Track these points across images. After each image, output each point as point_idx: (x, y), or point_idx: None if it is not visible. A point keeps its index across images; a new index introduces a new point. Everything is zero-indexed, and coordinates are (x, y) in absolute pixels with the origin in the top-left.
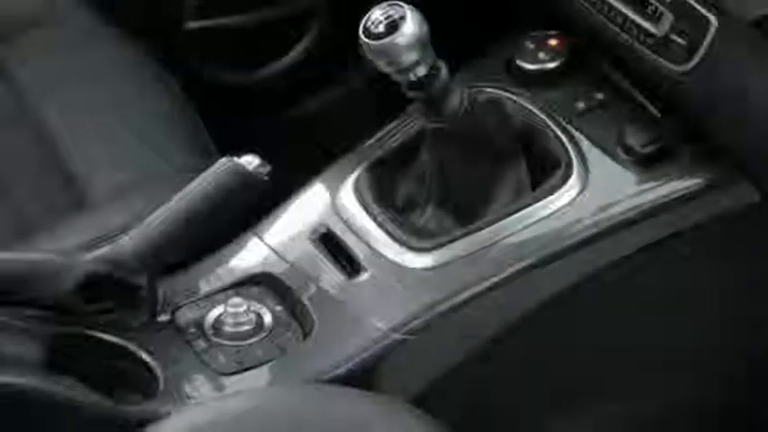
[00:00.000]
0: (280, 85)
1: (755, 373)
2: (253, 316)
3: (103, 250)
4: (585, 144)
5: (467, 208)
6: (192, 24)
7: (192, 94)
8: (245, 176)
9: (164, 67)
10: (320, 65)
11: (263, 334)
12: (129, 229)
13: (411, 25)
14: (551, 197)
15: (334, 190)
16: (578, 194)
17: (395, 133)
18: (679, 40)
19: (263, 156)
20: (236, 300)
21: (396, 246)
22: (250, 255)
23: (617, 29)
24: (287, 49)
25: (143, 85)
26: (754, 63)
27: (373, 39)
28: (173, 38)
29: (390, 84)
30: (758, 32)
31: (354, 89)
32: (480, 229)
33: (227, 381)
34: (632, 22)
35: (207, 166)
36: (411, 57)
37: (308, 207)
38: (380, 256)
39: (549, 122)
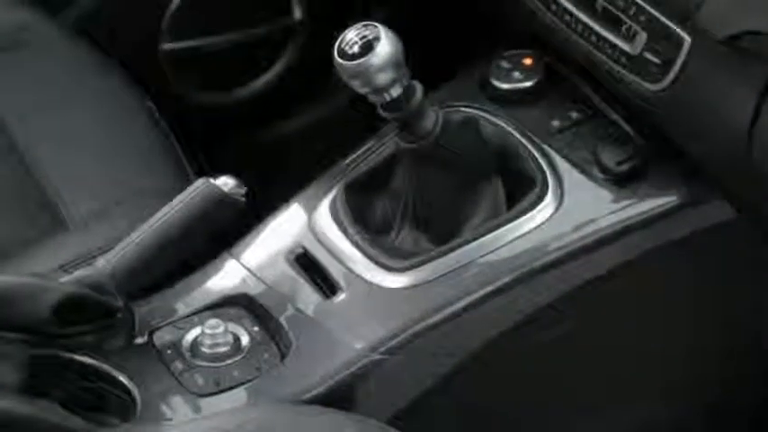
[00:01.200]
0: (256, 107)
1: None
2: (230, 337)
3: (80, 273)
4: (560, 163)
5: (443, 228)
6: (168, 46)
7: (168, 116)
8: (221, 198)
9: (139, 88)
10: (296, 86)
11: (241, 355)
12: (105, 252)
13: (385, 46)
14: (527, 216)
15: (310, 211)
16: (554, 213)
17: (370, 154)
18: (653, 58)
19: (239, 177)
20: (214, 321)
21: (372, 266)
22: (227, 276)
23: (591, 48)
24: (263, 70)
25: (119, 107)
26: (727, 81)
27: (348, 60)
28: (148, 60)
29: (366, 104)
30: (731, 50)
31: (330, 110)
32: (456, 248)
33: (204, 402)
34: (606, 40)
35: (183, 188)
36: (385, 77)
37: (285, 228)
38: (357, 276)
39: (524, 141)
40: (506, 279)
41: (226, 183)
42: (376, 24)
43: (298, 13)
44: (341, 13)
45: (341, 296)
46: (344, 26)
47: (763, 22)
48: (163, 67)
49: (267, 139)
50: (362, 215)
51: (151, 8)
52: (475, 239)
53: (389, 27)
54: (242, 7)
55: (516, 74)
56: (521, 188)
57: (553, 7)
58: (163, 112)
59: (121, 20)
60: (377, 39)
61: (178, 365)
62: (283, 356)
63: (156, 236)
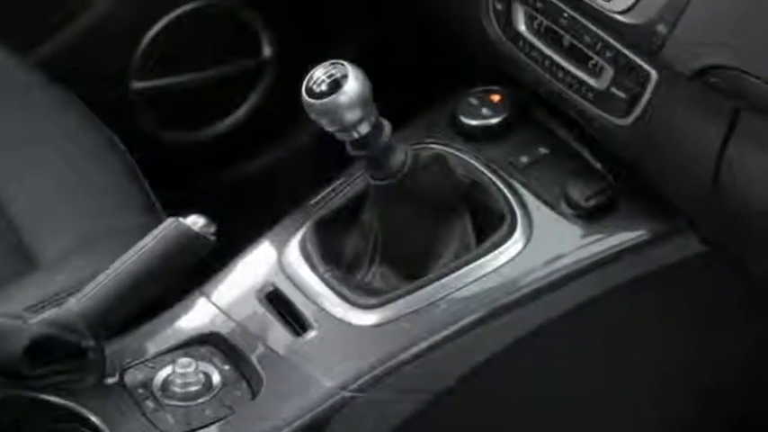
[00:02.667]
0: (225, 144)
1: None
2: (201, 376)
3: (51, 312)
4: (529, 198)
5: (412, 264)
6: (137, 84)
7: (137, 154)
8: (190, 236)
9: (109, 127)
10: (266, 123)
11: (212, 394)
12: (76, 292)
13: (353, 84)
14: (496, 252)
15: (280, 248)
16: (523, 248)
17: (340, 191)
18: (620, 93)
19: (209, 215)
20: (185, 360)
21: (342, 303)
22: (197, 314)
23: (559, 83)
24: (233, 108)
25: (87, 145)
26: (694, 115)
27: (315, 98)
28: (117, 98)
29: (335, 142)
30: (697, 85)
31: (299, 147)
32: (426, 285)
33: None
34: (574, 76)
35: (153, 226)
36: (353, 115)
37: (255, 266)
38: (327, 313)
39: (493, 177)
40: (476, 315)
41: (195, 221)
42: (343, 63)
43: (267, 52)
44: (310, 50)
45: (311, 334)
46: (313, 64)
47: (729, 57)
48: (132, 105)
49: (236, 177)
50: (332, 252)
51: (120, 46)
52: (444, 276)
53: (357, 65)
54: (211, 46)
55: (484, 110)
56: (490, 224)
57: (520, 43)
58: (132, 151)
59: (89, 58)
60: (344, 77)
61: (149, 405)
62: (254, 395)
63: (126, 275)
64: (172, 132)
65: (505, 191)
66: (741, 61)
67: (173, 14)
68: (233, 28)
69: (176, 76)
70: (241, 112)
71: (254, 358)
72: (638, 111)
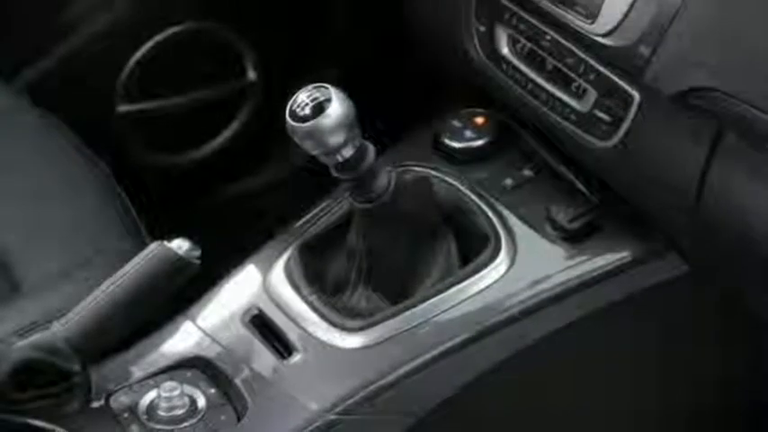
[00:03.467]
0: (211, 167)
1: None
2: (186, 400)
3: (36, 337)
4: (513, 220)
5: (397, 287)
6: (123, 108)
7: (121, 178)
8: (175, 261)
9: (94, 150)
10: (250, 147)
11: (197, 417)
12: (61, 316)
13: (336, 107)
14: (481, 274)
15: (265, 271)
16: (507, 270)
17: (324, 214)
18: (603, 115)
19: (194, 238)
20: (170, 384)
21: (327, 326)
22: (183, 338)
23: (542, 106)
24: (218, 131)
25: (72, 170)
26: (676, 137)
27: (299, 121)
28: (102, 122)
29: (320, 165)
30: (680, 107)
31: (284, 171)
32: (411, 307)
33: None
34: (557, 98)
35: (138, 250)
36: (337, 138)
37: (240, 289)
38: (312, 336)
39: (477, 200)
40: (461, 337)
41: (180, 245)
42: (327, 86)
43: (251, 75)
44: (294, 74)
45: (296, 357)
46: (298, 87)
47: (711, 79)
48: (117, 129)
49: (222, 200)
50: (317, 275)
51: (105, 71)
52: (429, 298)
53: (341, 88)
54: (196, 70)
55: (468, 133)
56: (474, 246)
57: (503, 66)
58: (116, 175)
59: (74, 82)
60: (328, 100)
61: (134, 429)
62: (239, 418)
63: (111, 299)
64: (157, 155)
65: (489, 213)
66: (723, 83)
67: (157, 38)
68: (217, 52)
69: (161, 99)
70: (226, 135)
71: (239, 382)
72: (621, 133)
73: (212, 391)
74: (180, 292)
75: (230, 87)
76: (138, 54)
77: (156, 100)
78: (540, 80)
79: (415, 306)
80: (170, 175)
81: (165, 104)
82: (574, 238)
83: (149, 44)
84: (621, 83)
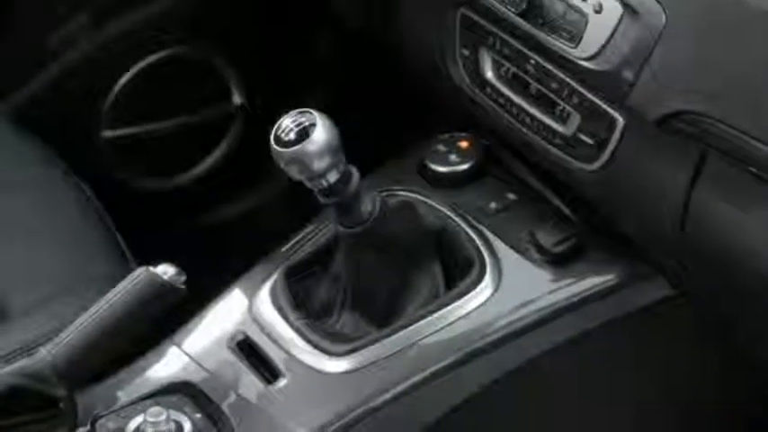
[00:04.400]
0: (196, 192)
1: None
2: (172, 425)
3: (22, 363)
4: (498, 244)
5: (383, 311)
6: (108, 133)
7: (107, 203)
8: (161, 286)
9: (80, 175)
10: (236, 171)
11: None
12: (47, 341)
13: (321, 132)
14: (466, 297)
15: (250, 296)
16: (492, 294)
17: (310, 238)
18: (587, 139)
19: (180, 262)
20: (156, 409)
21: (313, 351)
22: (169, 363)
23: (526, 129)
24: (203, 155)
25: (58, 194)
26: (660, 161)
27: (284, 146)
28: (88, 146)
29: (305, 189)
30: (664, 131)
31: (270, 195)
32: (397, 331)
33: None
34: (541, 122)
35: (124, 276)
36: (322, 163)
37: (226, 314)
38: (298, 361)
39: (462, 224)
40: (447, 361)
41: (165, 271)
42: (312, 111)
43: (237, 99)
44: (280, 98)
45: (282, 382)
46: (283, 111)
47: (695, 102)
48: (103, 153)
49: (207, 225)
50: (303, 300)
51: (91, 95)
52: (414, 322)
53: (327, 112)
54: (182, 94)
55: (453, 157)
56: (459, 270)
57: (488, 90)
58: (102, 199)
59: (61, 107)
60: (313, 125)
61: None
62: None
63: (97, 324)
64: (143, 180)
65: (474, 237)
66: (707, 107)
67: (144, 63)
68: (203, 76)
69: (147, 124)
70: (212, 159)
71: (225, 407)
72: (605, 156)
73: (198, 416)
74: (166, 317)
75: (216, 112)
76: (124, 79)
77: (142, 125)
78: (524, 104)
79: (400, 330)
80: (156, 199)
81: (151, 129)
82: (559, 262)
83: (135, 69)
84: (605, 106)
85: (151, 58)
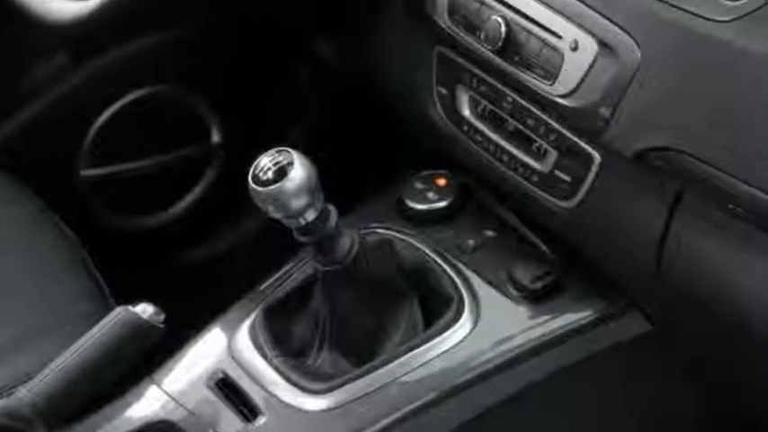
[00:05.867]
0: (175, 230)
1: None
2: None
3: (1, 402)
4: (476, 281)
5: (362, 349)
6: (87, 172)
7: (86, 242)
8: (140, 325)
9: (58, 214)
10: (215, 209)
11: None
12: (26, 381)
13: (299, 171)
14: (444, 335)
15: (230, 335)
16: (471, 331)
17: (288, 276)
18: (564, 176)
19: (159, 301)
20: None
21: (292, 389)
22: (148, 402)
23: (503, 166)
24: (182, 194)
25: (37, 234)
26: (637, 197)
27: (262, 185)
28: (67, 186)
29: (284, 228)
30: (640, 167)
31: (249, 233)
32: (375, 369)
33: None
34: (518, 159)
35: (103, 315)
36: (300, 202)
37: (205, 352)
38: (277, 399)
39: (440, 261)
40: (426, 398)
41: (144, 309)
42: (289, 150)
43: (215, 138)
44: (257, 137)
45: (262, 420)
46: (261, 150)
47: (671, 139)
48: (81, 192)
49: (186, 263)
50: (282, 338)
51: (68, 134)
52: (394, 360)
53: (305, 150)
54: (160, 133)
55: (430, 194)
56: (438, 307)
57: (465, 127)
58: (81, 238)
59: (38, 146)
60: (290, 164)
61: None
62: None
63: (76, 364)
64: (121, 219)
65: (452, 274)
66: (683, 143)
67: (121, 102)
68: (181, 115)
69: (125, 163)
70: (190, 198)
71: None
72: (581, 193)
73: None
74: (145, 356)
75: (194, 150)
76: (102, 118)
77: (121, 164)
78: (500, 141)
79: (379, 368)
80: (135, 238)
81: (130, 168)
82: (536, 298)
83: (113, 108)
84: (582, 143)
85: (129, 97)
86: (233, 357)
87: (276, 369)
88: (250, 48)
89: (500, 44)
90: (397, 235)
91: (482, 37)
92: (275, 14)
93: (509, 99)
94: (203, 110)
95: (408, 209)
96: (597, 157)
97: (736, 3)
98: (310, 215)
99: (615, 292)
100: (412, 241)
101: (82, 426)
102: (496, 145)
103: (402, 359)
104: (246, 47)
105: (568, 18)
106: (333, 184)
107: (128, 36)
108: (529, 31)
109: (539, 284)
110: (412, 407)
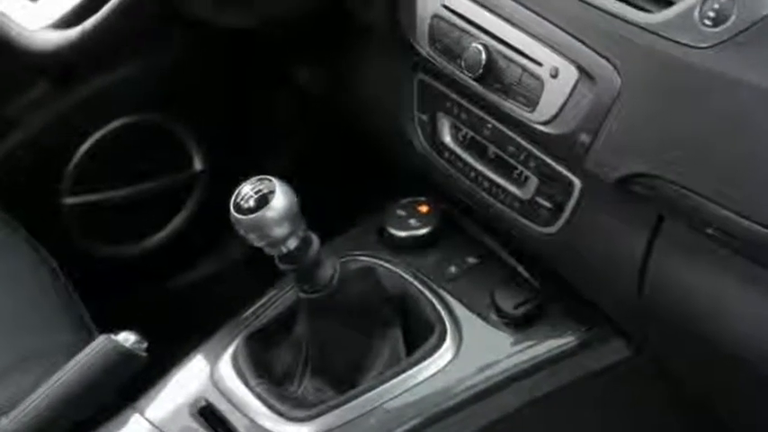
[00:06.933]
0: (158, 258)
1: None
2: None
3: None
4: (458, 308)
5: (344, 376)
6: (70, 201)
7: (69, 270)
8: (122, 354)
9: (41, 242)
10: (198, 237)
11: None
12: (9, 411)
13: (280, 199)
14: (427, 361)
15: (212, 362)
16: (453, 358)
17: (271, 304)
18: (545, 202)
19: (142, 330)
20: None
21: (274, 416)
22: (131, 431)
23: (484, 193)
24: (165, 222)
25: (19, 264)
26: (618, 223)
27: (243, 214)
28: (49, 215)
29: (266, 255)
30: (621, 193)
31: (232, 260)
32: (358, 396)
33: None
34: (499, 186)
35: (85, 343)
36: (281, 230)
37: (188, 380)
38: (260, 427)
39: (422, 288)
40: (408, 425)
41: (127, 338)
42: (271, 178)
43: (198, 165)
44: (240, 164)
45: None
46: (244, 177)
47: (650, 165)
48: (64, 220)
49: (169, 291)
50: (264, 366)
51: (51, 163)
52: (376, 387)
53: (286, 178)
54: (144, 160)
55: (412, 221)
56: (420, 334)
57: (446, 154)
58: (64, 266)
59: (21, 175)
60: (272, 192)
61: None
62: None
63: (59, 393)
64: (104, 247)
65: (435, 301)
66: (662, 169)
67: (105, 130)
68: (165, 143)
69: (108, 191)
70: (173, 225)
71: None
72: (562, 219)
73: None
74: (128, 384)
75: (178, 178)
76: (85, 146)
77: (103, 192)
78: (482, 168)
79: (361, 395)
80: (117, 266)
81: (112, 196)
82: (519, 325)
83: (96, 136)
84: (562, 170)
85: (112, 125)
86: (216, 385)
87: (259, 396)
88: (232, 75)
89: (480, 71)
90: (380, 262)
91: (462, 65)
92: (257, 42)
93: (490, 126)
94: (185, 137)
95: (390, 236)
96: (578, 183)
97: (716, 29)
98: (292, 243)
99: (597, 318)
100: (394, 268)
101: None
102: (477, 172)
103: (384, 386)
104: (229, 74)
105: (548, 45)
106: (315, 211)
107: (109, 64)
108: (509, 59)
109: (521, 311)
110: None
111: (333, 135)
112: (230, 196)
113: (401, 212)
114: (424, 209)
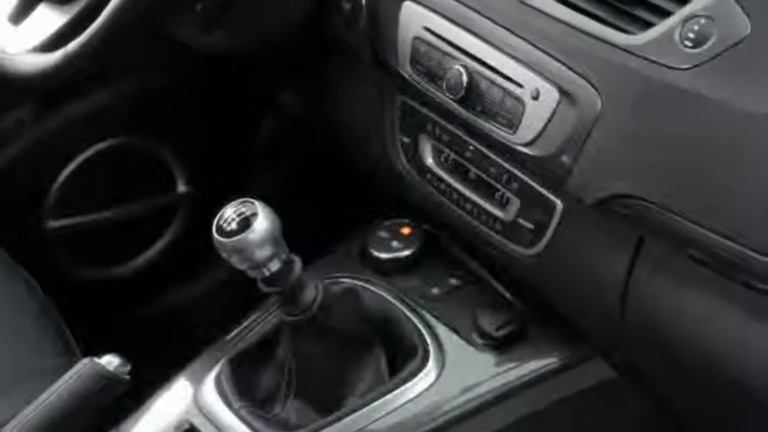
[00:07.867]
0: (142, 281)
1: None
2: None
3: None
4: (441, 329)
5: (327, 398)
6: (52, 224)
7: (52, 293)
8: (106, 376)
9: (24, 265)
10: (182, 259)
11: None
12: None
13: (263, 222)
14: (410, 383)
15: (196, 385)
16: (436, 379)
17: (254, 327)
18: (526, 224)
19: (125, 353)
20: None
21: None
22: None
23: (466, 215)
24: (148, 244)
25: (1, 286)
26: (599, 244)
27: (226, 236)
28: (31, 238)
29: (250, 278)
30: (602, 214)
31: (215, 283)
32: (341, 418)
33: None
34: (480, 207)
35: (69, 367)
36: (264, 253)
37: (171, 403)
38: None
39: (405, 310)
40: None
41: (110, 361)
42: (253, 201)
43: (181, 188)
44: (224, 186)
45: None
46: (228, 199)
47: (632, 186)
48: (47, 243)
49: (153, 314)
50: (248, 388)
51: (35, 186)
52: (359, 409)
53: (269, 200)
54: (126, 183)
55: (395, 243)
56: (403, 356)
57: (428, 176)
58: (47, 289)
59: (4, 198)
60: (254, 215)
61: None
62: None
63: (42, 417)
64: (88, 269)
65: (417, 323)
66: (644, 190)
67: (87, 153)
68: (147, 165)
69: (91, 214)
70: (157, 248)
71: None
72: (544, 241)
73: None
74: (111, 407)
75: (160, 200)
76: (68, 169)
77: (86, 215)
78: (464, 190)
79: (344, 417)
80: (101, 289)
81: (96, 219)
82: (501, 346)
83: (79, 159)
84: (544, 191)
85: (95, 149)
86: (199, 408)
87: (242, 419)
88: (215, 98)
89: (462, 93)
90: (362, 284)
91: (444, 86)
92: (240, 65)
93: (471, 148)
94: (169, 160)
95: (373, 258)
96: (560, 204)
97: (696, 50)
98: (274, 266)
99: (580, 339)
100: (376, 290)
101: None
102: (460, 193)
103: (368, 408)
104: (212, 97)
105: (529, 67)
106: (297, 233)
107: (92, 87)
108: (490, 81)
109: (503, 332)
110: None
111: (315, 157)
112: (213, 218)
113: (384, 234)
114: (406, 230)
